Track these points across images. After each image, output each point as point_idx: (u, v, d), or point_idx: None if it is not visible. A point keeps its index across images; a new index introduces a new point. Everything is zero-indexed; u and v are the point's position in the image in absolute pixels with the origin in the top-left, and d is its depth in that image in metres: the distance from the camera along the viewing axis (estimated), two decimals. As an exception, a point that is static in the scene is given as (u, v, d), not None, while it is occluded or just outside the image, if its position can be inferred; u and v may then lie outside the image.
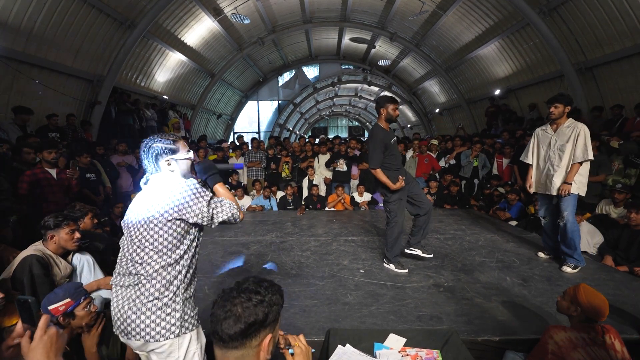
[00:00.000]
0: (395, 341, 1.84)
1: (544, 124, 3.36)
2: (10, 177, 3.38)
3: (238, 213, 1.49)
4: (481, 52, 9.78)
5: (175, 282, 1.36)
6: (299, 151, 7.16)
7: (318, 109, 25.25)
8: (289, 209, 6.04)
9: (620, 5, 5.72)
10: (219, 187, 1.56)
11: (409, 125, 19.90)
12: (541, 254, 3.42)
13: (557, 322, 1.98)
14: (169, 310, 1.32)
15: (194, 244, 1.45)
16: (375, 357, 1.73)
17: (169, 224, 1.32)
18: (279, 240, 4.09)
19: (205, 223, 1.40)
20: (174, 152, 1.44)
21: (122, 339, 1.38)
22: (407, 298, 2.54)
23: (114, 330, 1.38)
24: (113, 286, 1.40)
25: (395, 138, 3.25)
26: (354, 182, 6.53)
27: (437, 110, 14.80)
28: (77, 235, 2.15)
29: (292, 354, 1.06)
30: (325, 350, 1.81)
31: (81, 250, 2.35)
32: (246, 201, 6.18)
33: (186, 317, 1.38)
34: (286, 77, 16.73)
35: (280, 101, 17.59)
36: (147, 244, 1.32)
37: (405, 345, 1.80)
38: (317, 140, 8.06)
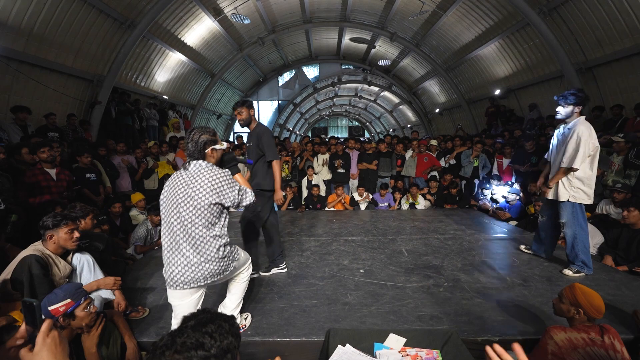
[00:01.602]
0: (395, 341, 1.83)
1: (544, 124, 3.36)
2: (12, 177, 3.38)
3: (253, 199, 1.91)
4: (481, 52, 9.78)
5: (221, 247, 1.79)
6: (299, 151, 7.16)
7: (318, 109, 25.26)
8: (289, 209, 6.04)
9: (620, 5, 5.73)
10: (238, 177, 1.95)
11: (409, 125, 19.90)
12: (522, 247, 3.57)
13: (557, 323, 1.98)
14: (222, 264, 1.80)
15: (226, 220, 1.86)
16: (375, 357, 1.73)
17: (212, 206, 1.71)
18: (279, 240, 4.08)
19: (234, 206, 1.80)
20: (215, 143, 1.83)
21: (197, 285, 1.76)
22: (407, 298, 2.53)
23: (176, 284, 1.73)
24: (169, 245, 1.76)
25: None
26: (354, 182, 6.53)
27: (437, 110, 14.80)
28: (76, 234, 2.15)
29: None
30: (325, 350, 1.81)
31: (81, 250, 2.35)
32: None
33: (234, 255, 1.90)
34: (286, 77, 16.74)
35: (280, 101, 17.60)
36: (197, 221, 1.70)
37: (405, 345, 1.80)
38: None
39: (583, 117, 2.86)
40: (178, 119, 9.08)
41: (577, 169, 2.78)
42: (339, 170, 6.35)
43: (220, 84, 13.23)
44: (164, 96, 10.08)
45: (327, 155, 6.51)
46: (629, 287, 2.66)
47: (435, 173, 6.58)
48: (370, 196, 6.25)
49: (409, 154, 6.84)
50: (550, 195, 3.02)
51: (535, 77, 8.53)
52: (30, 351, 0.82)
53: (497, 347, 0.93)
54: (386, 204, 6.12)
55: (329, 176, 6.50)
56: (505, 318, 2.23)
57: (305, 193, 6.37)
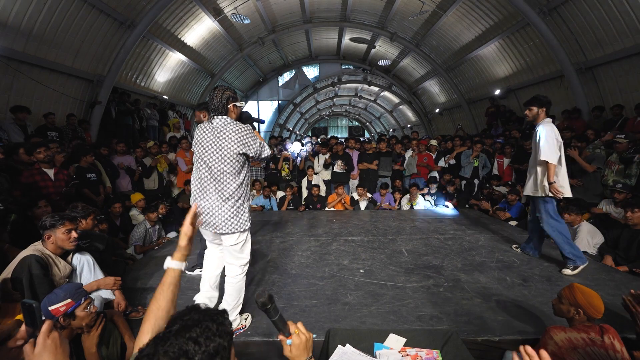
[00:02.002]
0: (395, 341, 1.83)
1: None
2: (10, 177, 3.38)
3: (270, 153, 2.17)
4: (481, 52, 9.78)
5: (244, 197, 2.03)
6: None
7: (318, 109, 25.25)
8: (289, 209, 6.04)
9: (620, 5, 5.72)
10: (255, 134, 2.11)
11: (409, 125, 19.89)
12: (513, 246, 3.68)
13: (557, 323, 1.98)
14: (242, 213, 2.02)
15: (248, 172, 2.09)
16: (375, 357, 1.73)
17: (237, 156, 1.95)
18: (279, 240, 4.09)
19: (256, 157, 2.06)
20: (235, 100, 2.04)
21: (212, 230, 2.01)
22: (407, 298, 2.53)
23: (208, 227, 2.00)
24: (197, 192, 2.01)
25: None
26: (354, 182, 6.53)
27: (437, 110, 14.80)
28: (74, 234, 2.14)
29: (290, 344, 0.98)
30: (325, 350, 1.81)
31: (81, 250, 2.35)
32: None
33: (247, 217, 2.08)
34: (286, 77, 16.74)
35: (280, 101, 17.60)
36: (225, 169, 1.94)
37: (405, 345, 1.80)
38: (318, 140, 8.05)
39: (548, 119, 3.09)
40: (178, 119, 9.08)
41: (546, 160, 2.95)
42: (339, 170, 6.34)
43: (221, 84, 13.22)
44: (164, 96, 10.08)
45: (327, 156, 6.51)
46: (629, 287, 2.65)
47: (435, 173, 6.59)
48: (370, 195, 6.26)
49: (408, 153, 6.85)
50: (527, 191, 3.21)
51: (535, 77, 8.53)
52: (33, 347, 0.82)
53: (528, 348, 0.95)
54: (387, 203, 6.12)
55: (329, 176, 6.50)
56: (505, 318, 2.23)
57: (305, 193, 6.37)
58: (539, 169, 3.05)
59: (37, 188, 3.47)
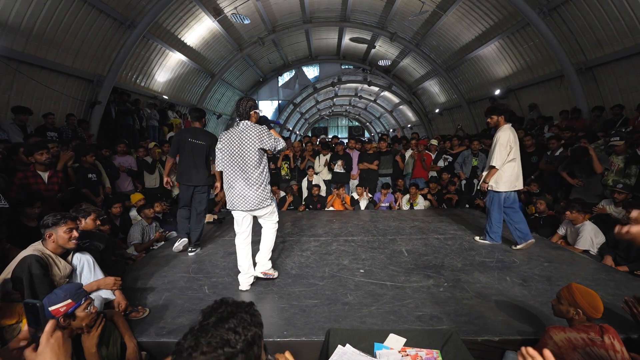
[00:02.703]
0: (395, 341, 1.84)
1: (545, 123, 3.43)
2: (8, 177, 3.38)
3: (284, 145, 2.75)
4: (481, 52, 9.78)
5: (265, 180, 2.69)
6: (299, 150, 7.15)
7: (318, 109, 25.26)
8: (290, 209, 6.04)
9: (620, 5, 5.73)
10: (272, 132, 2.74)
11: (409, 125, 19.90)
12: (476, 238, 3.95)
13: (556, 323, 1.98)
14: (266, 192, 2.70)
15: (266, 164, 2.73)
16: (375, 357, 1.73)
17: (257, 150, 2.57)
18: (279, 240, 4.07)
19: (272, 149, 2.67)
20: (256, 108, 2.72)
21: (244, 210, 2.66)
22: (407, 298, 2.53)
23: (237, 206, 2.66)
24: (227, 182, 2.67)
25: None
26: (354, 182, 6.53)
27: (437, 110, 14.80)
28: (75, 234, 2.14)
29: None
30: (325, 350, 1.81)
31: (81, 250, 2.35)
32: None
33: (270, 195, 2.75)
34: (286, 77, 16.75)
35: (280, 101, 17.61)
36: (249, 162, 2.57)
37: (405, 345, 1.80)
38: (318, 140, 8.05)
39: (507, 125, 3.49)
40: (180, 120, 9.08)
41: (494, 166, 3.46)
42: (338, 170, 6.34)
43: (220, 84, 13.24)
44: (164, 96, 10.08)
45: (328, 156, 6.50)
46: (629, 287, 2.66)
47: (434, 173, 6.59)
48: (369, 195, 6.26)
49: (408, 153, 6.87)
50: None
51: (535, 77, 8.53)
52: (34, 351, 0.82)
53: (530, 349, 0.94)
54: (387, 204, 6.12)
55: (329, 176, 6.50)
56: (505, 318, 2.23)
57: (305, 193, 6.37)
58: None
59: (29, 190, 3.44)
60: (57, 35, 5.97)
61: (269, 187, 2.74)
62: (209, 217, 5.05)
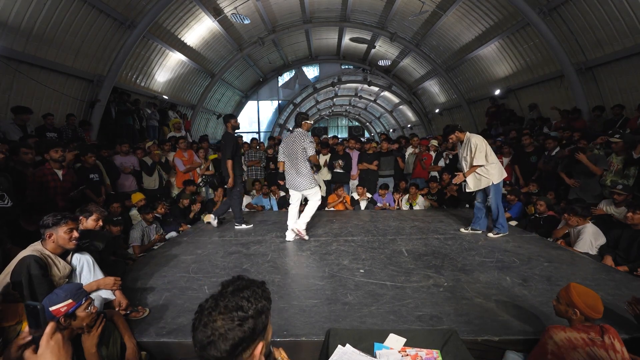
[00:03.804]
0: (395, 341, 1.83)
1: (544, 123, 3.45)
2: (12, 177, 3.37)
3: (314, 152, 3.89)
4: (481, 52, 9.78)
5: (308, 173, 3.94)
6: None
7: (318, 109, 25.24)
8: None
9: (620, 5, 5.73)
10: (312, 139, 3.86)
11: (409, 126, 19.90)
12: (462, 229, 4.36)
13: (557, 323, 1.98)
14: (309, 179, 3.97)
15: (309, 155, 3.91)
16: (375, 357, 1.73)
17: (301, 150, 3.82)
18: (279, 240, 4.09)
19: (308, 150, 3.81)
20: (307, 118, 3.98)
21: (294, 190, 4.07)
22: (407, 298, 2.53)
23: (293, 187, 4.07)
24: (287, 171, 4.07)
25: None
26: (354, 182, 6.53)
27: (437, 110, 14.80)
28: (75, 234, 2.14)
29: None
30: (325, 350, 1.81)
31: (81, 250, 2.35)
32: (245, 200, 6.18)
33: (313, 180, 4.01)
34: (286, 77, 16.74)
35: (280, 101, 17.60)
36: (299, 158, 3.85)
37: (405, 345, 1.80)
38: (319, 140, 8.05)
39: (469, 134, 4.04)
40: (179, 119, 9.07)
41: (481, 165, 3.95)
42: (338, 170, 6.34)
43: (220, 84, 13.23)
44: (164, 96, 10.08)
45: (328, 156, 6.50)
46: (629, 287, 2.66)
47: (435, 173, 6.58)
48: (369, 195, 6.25)
49: (409, 151, 6.87)
50: (473, 188, 4.21)
51: (535, 77, 8.53)
52: (35, 353, 0.82)
53: None
54: (386, 203, 6.12)
55: (329, 176, 6.50)
56: (505, 318, 2.23)
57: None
58: (478, 169, 4.01)
59: (47, 188, 3.47)
60: (57, 35, 5.96)
61: (312, 175, 3.95)
62: (209, 217, 5.05)
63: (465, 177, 4.10)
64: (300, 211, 4.15)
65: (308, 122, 3.95)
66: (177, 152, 6.16)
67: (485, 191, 4.18)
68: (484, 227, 4.28)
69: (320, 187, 3.99)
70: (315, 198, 4.02)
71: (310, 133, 4.14)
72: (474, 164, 3.96)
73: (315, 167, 4.24)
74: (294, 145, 3.82)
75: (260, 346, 0.88)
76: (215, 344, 0.81)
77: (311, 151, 3.80)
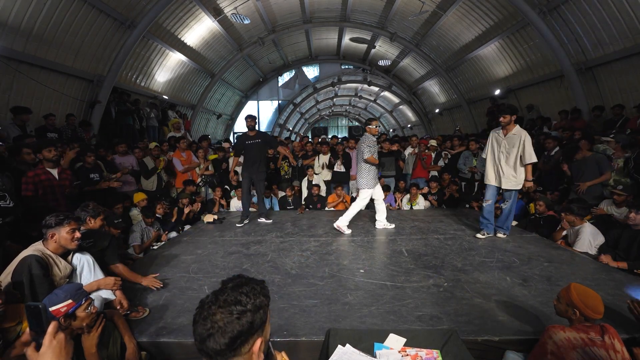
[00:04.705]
0: (395, 341, 1.83)
1: (544, 123, 3.45)
2: (13, 177, 3.38)
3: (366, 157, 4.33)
4: (481, 52, 9.78)
5: (366, 173, 4.38)
6: (299, 150, 7.15)
7: (318, 109, 25.24)
8: (289, 209, 6.04)
9: (620, 5, 5.73)
10: (371, 142, 4.38)
11: (408, 126, 19.90)
12: (478, 235, 4.06)
13: (557, 322, 1.98)
14: (362, 179, 4.44)
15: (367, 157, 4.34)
16: (375, 357, 1.73)
17: (361, 152, 4.30)
18: (279, 240, 4.09)
19: (364, 153, 4.28)
20: (369, 124, 4.45)
21: (362, 189, 4.45)
22: (407, 298, 2.53)
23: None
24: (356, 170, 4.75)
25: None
26: (354, 182, 6.52)
27: (437, 110, 14.80)
28: (77, 234, 2.14)
29: None
30: (325, 350, 1.81)
31: (81, 250, 2.35)
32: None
33: (367, 182, 4.43)
34: (286, 77, 16.74)
35: (280, 101, 17.60)
36: (360, 159, 4.38)
37: (405, 345, 1.80)
38: (319, 140, 8.06)
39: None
40: (178, 120, 9.07)
41: (535, 161, 3.76)
42: (339, 170, 6.34)
43: (220, 84, 13.23)
44: (164, 96, 10.08)
45: (327, 156, 6.50)
46: (629, 287, 2.66)
47: (435, 173, 6.59)
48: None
49: (408, 151, 6.86)
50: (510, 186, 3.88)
51: (535, 77, 8.53)
52: (37, 351, 0.82)
53: None
54: (387, 204, 6.11)
55: (329, 176, 6.50)
56: (505, 318, 2.23)
57: (305, 193, 6.37)
58: (517, 170, 3.79)
59: (43, 188, 3.47)
60: (57, 35, 5.96)
61: (367, 176, 4.34)
62: (209, 217, 5.05)
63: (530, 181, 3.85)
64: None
65: (370, 126, 4.34)
66: (175, 152, 6.16)
67: (500, 193, 4.05)
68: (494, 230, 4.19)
69: (362, 191, 4.38)
70: (360, 197, 4.38)
71: (372, 136, 4.37)
72: (531, 160, 3.67)
73: (379, 166, 4.54)
74: (359, 148, 4.37)
75: (259, 342, 0.89)
76: (214, 336, 0.83)
77: (367, 154, 4.19)
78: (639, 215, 3.23)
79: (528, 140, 3.67)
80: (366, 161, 4.25)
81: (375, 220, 4.60)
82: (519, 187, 3.80)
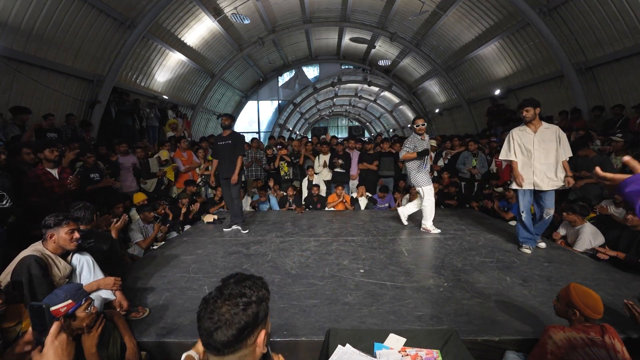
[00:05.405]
0: (395, 341, 1.83)
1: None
2: (14, 177, 3.38)
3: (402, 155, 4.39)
4: (481, 52, 9.78)
5: (413, 171, 4.35)
6: (299, 150, 7.16)
7: (318, 109, 25.23)
8: (289, 209, 6.04)
9: (620, 5, 5.72)
10: (409, 141, 4.35)
11: (409, 126, 19.88)
12: (524, 249, 3.57)
13: (557, 323, 1.98)
14: (415, 179, 4.36)
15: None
16: (375, 357, 1.73)
17: (405, 149, 4.34)
18: (279, 240, 4.09)
19: (402, 151, 4.37)
20: (413, 123, 4.37)
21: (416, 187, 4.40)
22: (407, 298, 2.54)
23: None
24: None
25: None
26: (354, 182, 6.53)
27: (437, 110, 14.79)
28: (77, 235, 2.14)
29: None
30: (325, 350, 1.81)
31: (81, 250, 2.35)
32: (246, 202, 6.18)
33: (421, 180, 4.33)
34: (286, 77, 16.73)
35: (280, 101, 17.59)
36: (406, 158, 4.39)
37: (405, 345, 1.80)
38: (319, 140, 8.06)
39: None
40: (176, 120, 9.06)
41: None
42: (338, 170, 6.34)
43: (220, 84, 13.23)
44: (164, 96, 10.07)
45: (327, 156, 6.50)
46: (629, 287, 2.67)
47: (435, 173, 6.58)
48: (369, 195, 6.25)
49: None
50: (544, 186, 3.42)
51: (535, 77, 8.52)
52: (40, 352, 0.83)
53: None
54: (386, 204, 6.12)
55: (329, 176, 6.50)
56: (505, 318, 2.23)
57: (305, 193, 6.37)
58: (559, 166, 3.35)
59: (42, 188, 3.47)
60: (57, 35, 5.96)
61: (414, 174, 4.29)
62: (209, 217, 5.05)
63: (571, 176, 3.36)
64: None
65: (414, 125, 4.24)
66: (176, 152, 6.16)
67: (533, 196, 3.54)
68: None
69: (423, 188, 4.28)
70: (426, 194, 4.30)
71: (417, 135, 4.25)
72: (570, 154, 3.33)
73: (419, 156, 4.24)
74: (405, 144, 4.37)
75: (262, 334, 0.92)
76: (221, 329, 0.85)
77: (404, 152, 4.26)
78: (635, 217, 3.23)
79: (563, 133, 3.33)
80: (402, 161, 4.38)
81: (400, 216, 4.76)
82: (560, 185, 3.33)
